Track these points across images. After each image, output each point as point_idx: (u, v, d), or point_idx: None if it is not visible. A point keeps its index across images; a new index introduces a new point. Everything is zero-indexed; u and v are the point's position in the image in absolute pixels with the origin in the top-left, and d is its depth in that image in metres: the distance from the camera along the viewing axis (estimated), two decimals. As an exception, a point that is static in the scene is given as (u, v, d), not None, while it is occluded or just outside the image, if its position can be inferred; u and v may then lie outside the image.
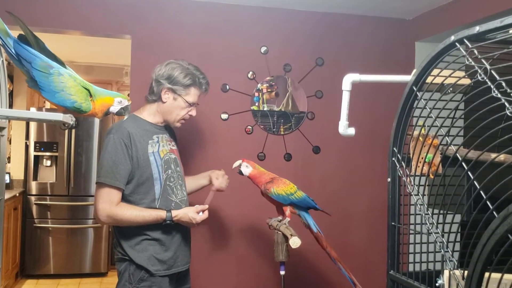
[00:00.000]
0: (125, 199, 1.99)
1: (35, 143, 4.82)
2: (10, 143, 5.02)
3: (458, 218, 1.17)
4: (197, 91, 2.09)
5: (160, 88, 2.05)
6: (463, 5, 2.68)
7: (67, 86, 1.31)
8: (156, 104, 2.10)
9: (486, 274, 0.94)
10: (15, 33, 1.37)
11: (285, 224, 2.21)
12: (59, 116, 1.27)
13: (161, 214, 1.98)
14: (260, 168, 2.28)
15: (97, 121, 4.76)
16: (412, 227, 1.38)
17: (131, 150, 1.97)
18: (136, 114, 2.12)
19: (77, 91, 1.34)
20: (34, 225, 4.74)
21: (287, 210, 2.25)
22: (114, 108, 1.48)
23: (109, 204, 1.93)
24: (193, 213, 2.01)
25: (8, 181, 4.74)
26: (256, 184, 2.27)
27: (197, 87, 2.08)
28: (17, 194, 4.50)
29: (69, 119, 1.32)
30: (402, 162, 1.36)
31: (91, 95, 1.42)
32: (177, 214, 1.99)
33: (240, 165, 2.24)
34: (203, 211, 2.04)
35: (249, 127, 2.96)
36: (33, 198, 4.78)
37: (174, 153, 2.15)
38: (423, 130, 1.34)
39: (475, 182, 1.02)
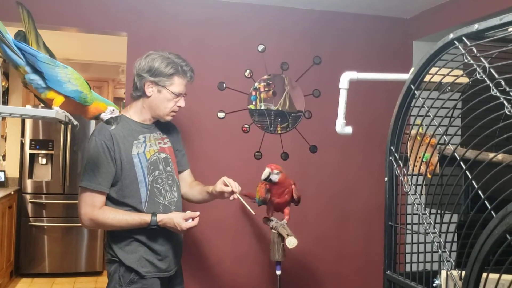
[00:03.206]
0: (112, 202, 1.92)
1: (31, 141, 4.79)
2: (5, 141, 5.00)
3: (455, 218, 1.16)
4: (182, 79, 1.97)
5: (142, 82, 1.95)
6: (461, 4, 2.67)
7: (73, 78, 1.39)
8: (141, 100, 2.00)
9: (484, 275, 0.93)
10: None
11: (282, 224, 2.20)
12: (52, 113, 1.26)
13: (146, 218, 1.87)
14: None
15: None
16: (409, 226, 1.37)
17: (114, 152, 1.88)
18: (123, 113, 2.03)
19: (82, 83, 1.41)
20: (29, 223, 4.71)
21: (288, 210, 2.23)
22: (105, 115, 1.49)
23: (92, 208, 1.86)
24: (179, 219, 1.86)
25: (3, 179, 4.72)
26: (277, 189, 2.14)
27: (181, 75, 1.96)
28: (12, 192, 4.48)
29: (63, 115, 1.31)
30: (400, 161, 1.35)
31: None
32: (162, 219, 1.88)
33: (270, 174, 2.08)
34: (193, 218, 1.88)
35: (246, 126, 2.94)
36: (28, 197, 4.76)
37: (165, 152, 2.04)
38: (420, 129, 1.33)
39: (473, 181, 1.01)
